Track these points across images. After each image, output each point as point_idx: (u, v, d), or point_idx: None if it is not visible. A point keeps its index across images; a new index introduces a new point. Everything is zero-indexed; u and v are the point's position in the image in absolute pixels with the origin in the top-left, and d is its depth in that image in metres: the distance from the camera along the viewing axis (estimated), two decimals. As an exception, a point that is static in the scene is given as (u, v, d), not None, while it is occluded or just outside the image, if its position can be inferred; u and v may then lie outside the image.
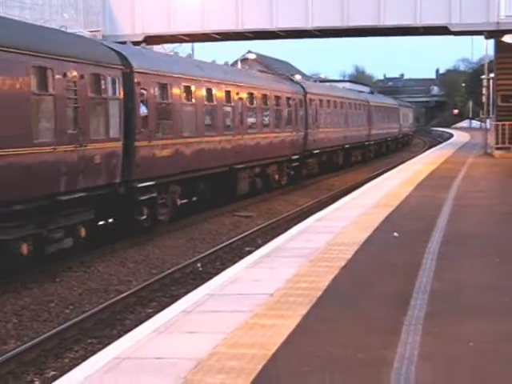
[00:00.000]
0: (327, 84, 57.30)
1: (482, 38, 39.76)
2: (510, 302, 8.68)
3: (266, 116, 30.95)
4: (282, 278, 9.95)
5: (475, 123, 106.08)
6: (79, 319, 12.66)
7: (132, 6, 35.97)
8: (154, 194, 20.38)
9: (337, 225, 15.01)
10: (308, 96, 37.34)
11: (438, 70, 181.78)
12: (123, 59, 19.26)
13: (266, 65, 76.35)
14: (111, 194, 18.32)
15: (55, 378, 8.93)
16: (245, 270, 10.77)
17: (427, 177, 26.46)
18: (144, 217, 20.12)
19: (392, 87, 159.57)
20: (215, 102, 25.06)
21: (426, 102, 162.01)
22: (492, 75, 48.23)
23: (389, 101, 71.32)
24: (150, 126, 20.16)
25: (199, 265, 17.45)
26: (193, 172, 23.03)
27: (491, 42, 39.52)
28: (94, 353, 9.20)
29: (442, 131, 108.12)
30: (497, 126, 37.33)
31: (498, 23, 33.72)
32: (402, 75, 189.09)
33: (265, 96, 30.74)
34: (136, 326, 9.24)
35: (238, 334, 7.50)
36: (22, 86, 14.65)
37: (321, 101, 40.05)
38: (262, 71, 41.27)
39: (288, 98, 33.91)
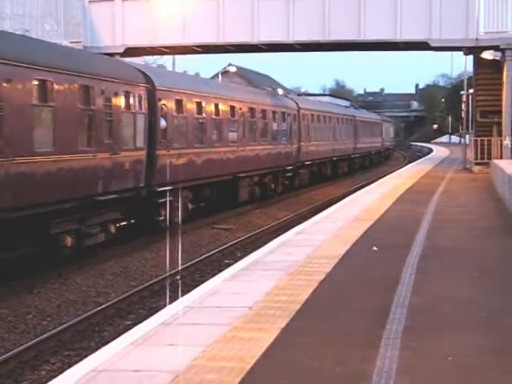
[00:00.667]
0: (318, 99, 60.05)
1: (461, 53, 40.09)
2: (489, 317, 8.70)
3: (264, 129, 33.52)
4: (261, 291, 9.93)
5: (454, 138, 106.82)
6: (57, 331, 12.58)
7: (113, 17, 35.99)
8: (170, 198, 22.13)
9: (316, 238, 15.01)
10: (301, 111, 40.19)
11: (417, 85, 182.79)
12: (147, 78, 21.85)
13: (247, 78, 76.40)
14: (135, 197, 20.86)
15: (32, 390, 8.87)
16: (224, 283, 10.74)
17: (407, 191, 26.54)
18: (162, 218, 22.27)
19: (372, 101, 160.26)
20: (221, 116, 27.63)
21: (406, 116, 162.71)
22: (471, 91, 48.58)
23: (373, 116, 74.32)
24: (169, 137, 22.71)
25: (178, 277, 17.39)
26: (202, 179, 25.57)
27: (470, 58, 39.82)
28: (71, 365, 9.14)
29: (422, 146, 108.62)
30: (476, 141, 37.55)
31: (477, 39, 34.02)
32: (382, 90, 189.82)
33: (264, 111, 33.38)
34: (114, 338, 9.17)
35: (216, 346, 7.47)
36: (73, 103, 17.43)
37: (312, 115, 43.02)
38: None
39: (283, 113, 36.65)
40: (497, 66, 34.64)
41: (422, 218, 18.50)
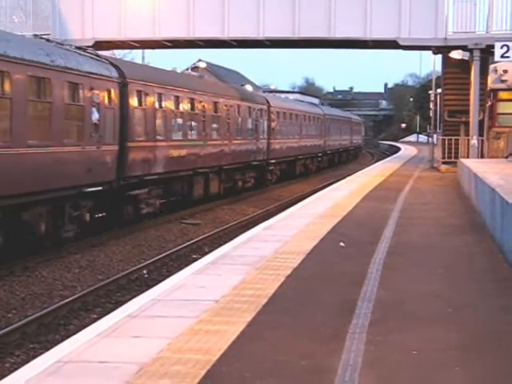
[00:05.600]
0: (335, 109, 78.27)
1: (430, 53, 40.33)
2: (454, 312, 8.77)
3: (309, 127, 51.50)
4: (228, 285, 9.93)
5: (422, 137, 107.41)
6: (21, 324, 12.50)
7: (82, 10, 35.77)
8: (273, 167, 41.81)
9: (284, 234, 15.03)
10: (326, 116, 59.11)
11: (386, 85, 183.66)
12: (267, 100, 40.92)
13: (216, 74, 76.29)
14: (260, 165, 38.58)
15: (-5, 382, 8.79)
16: (191, 277, 10.72)
17: (374, 188, 26.64)
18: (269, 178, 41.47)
19: (341, 100, 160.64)
20: (292, 120, 46.87)
21: (375, 115, 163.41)
22: (439, 90, 48.87)
23: (358, 118, 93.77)
24: (275, 132, 41.36)
25: (145, 271, 17.35)
26: (284, 157, 44.21)
27: (439, 57, 40.06)
28: (36, 357, 9.07)
29: (390, 145, 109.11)
30: (443, 140, 37.78)
31: (445, 39, 34.25)
32: (352, 88, 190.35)
33: (308, 115, 51.85)
34: (80, 331, 9.12)
35: (182, 339, 7.46)
36: (235, 115, 33.98)
37: (330, 119, 61.77)
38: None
39: (317, 117, 55.29)
40: (465, 66, 34.88)
41: (389, 215, 18.59)
